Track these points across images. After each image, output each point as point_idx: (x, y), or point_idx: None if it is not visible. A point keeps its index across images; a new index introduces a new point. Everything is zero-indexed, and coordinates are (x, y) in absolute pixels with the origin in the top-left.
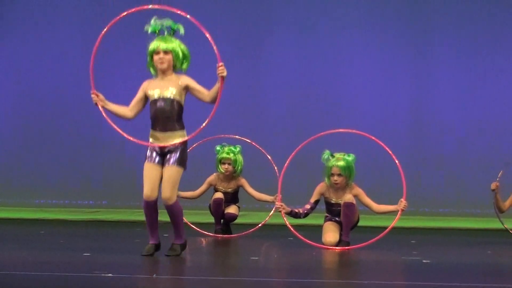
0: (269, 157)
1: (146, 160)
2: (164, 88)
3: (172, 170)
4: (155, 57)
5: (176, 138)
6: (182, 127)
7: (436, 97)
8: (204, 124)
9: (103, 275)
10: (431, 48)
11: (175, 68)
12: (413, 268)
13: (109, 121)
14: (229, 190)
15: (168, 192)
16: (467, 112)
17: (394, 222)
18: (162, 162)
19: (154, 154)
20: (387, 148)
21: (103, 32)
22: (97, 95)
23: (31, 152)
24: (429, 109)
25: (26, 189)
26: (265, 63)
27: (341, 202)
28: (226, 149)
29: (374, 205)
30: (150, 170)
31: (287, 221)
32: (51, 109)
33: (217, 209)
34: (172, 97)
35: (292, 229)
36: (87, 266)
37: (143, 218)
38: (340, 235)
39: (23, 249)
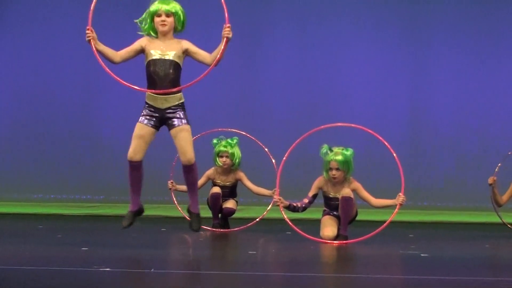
0: (266, 149)
1: (140, 120)
2: (165, 50)
3: (184, 130)
4: (157, 19)
5: (175, 99)
6: (179, 89)
7: (434, 91)
8: (201, 76)
9: (101, 269)
10: (429, 43)
11: (175, 31)
12: (411, 262)
13: (102, 63)
14: (227, 183)
15: (190, 152)
16: (465, 106)
17: (392, 217)
18: (158, 126)
19: (151, 115)
20: (385, 142)
21: None
22: (92, 31)
23: (29, 147)
24: (427, 103)
25: (24, 184)
26: (264, 56)
27: (339, 196)
28: (223, 142)
29: (372, 199)
30: (142, 131)
31: (285, 215)
32: (49, 105)
33: (214, 203)
34: (172, 59)
35: (290, 223)
36: (85, 260)
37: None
38: (338, 229)
39: (21, 244)
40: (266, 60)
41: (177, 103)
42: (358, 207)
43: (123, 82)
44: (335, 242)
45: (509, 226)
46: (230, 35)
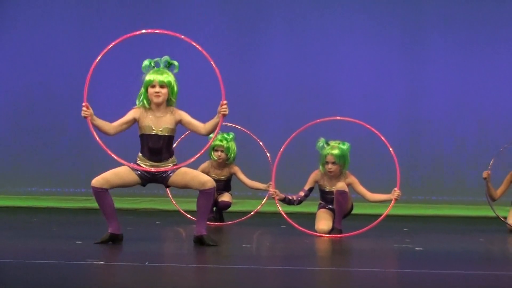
0: (261, 143)
1: (130, 166)
2: (159, 124)
3: (181, 171)
4: (151, 90)
5: (167, 165)
6: (172, 154)
7: (430, 86)
8: (198, 155)
9: (95, 262)
10: (426, 37)
11: (168, 102)
12: (406, 256)
13: (97, 138)
14: (222, 177)
15: (204, 178)
16: (461, 101)
17: (387, 211)
18: (145, 183)
19: (142, 175)
20: (381, 137)
21: (96, 60)
22: (88, 108)
23: (24, 140)
24: (423, 98)
25: (19, 177)
26: (259, 52)
27: (334, 190)
28: (219, 136)
29: (368, 193)
30: (125, 174)
31: (281, 208)
32: (45, 100)
33: None
34: (167, 134)
35: (285, 216)
36: (80, 254)
37: (134, 205)
38: (333, 222)
39: (16, 237)
40: (262, 54)
41: (169, 166)
42: (353, 201)
43: (119, 159)
44: (329, 236)
45: (502, 219)
46: (227, 112)
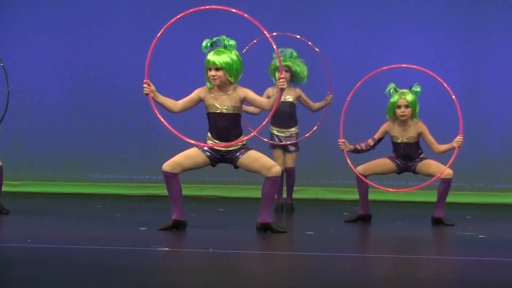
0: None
1: (199, 149)
2: (223, 102)
3: (249, 154)
4: (209, 73)
5: (236, 145)
6: (240, 134)
7: (492, 72)
8: (258, 128)
9: (159, 249)
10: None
11: (229, 80)
12: (469, 243)
13: (159, 115)
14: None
15: (269, 163)
16: None
17: (451, 161)
18: (214, 163)
19: (212, 156)
20: (444, 83)
21: (159, 34)
22: (149, 85)
23: (89, 129)
24: (486, 83)
25: (84, 164)
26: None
27: (407, 141)
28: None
29: (435, 144)
30: (196, 155)
31: (349, 160)
32: (108, 87)
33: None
34: (231, 112)
35: (351, 165)
36: (144, 240)
37: (198, 192)
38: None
39: (81, 224)
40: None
41: (239, 147)
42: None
43: (187, 138)
44: (386, 188)
45: None
46: (285, 86)
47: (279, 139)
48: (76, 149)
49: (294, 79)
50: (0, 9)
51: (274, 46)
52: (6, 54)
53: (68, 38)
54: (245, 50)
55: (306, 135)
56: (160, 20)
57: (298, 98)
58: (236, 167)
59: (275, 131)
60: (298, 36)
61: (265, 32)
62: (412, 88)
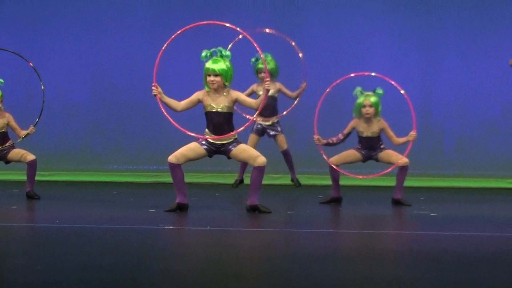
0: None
1: (198, 142)
2: (219, 103)
3: (240, 147)
4: (208, 78)
5: (229, 139)
6: (232, 129)
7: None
8: (246, 125)
9: (166, 227)
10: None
11: (224, 84)
12: (422, 220)
13: (165, 113)
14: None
15: (255, 155)
16: (468, 80)
17: (406, 153)
18: (211, 155)
19: (209, 149)
20: (398, 87)
21: (164, 47)
22: (157, 87)
23: (108, 127)
24: (437, 84)
25: (103, 157)
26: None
27: (371, 135)
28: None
29: (394, 137)
30: (197, 148)
31: (323, 152)
32: (124, 96)
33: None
34: (226, 111)
35: (325, 156)
36: (153, 220)
37: (198, 180)
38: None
39: (101, 207)
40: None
41: (231, 140)
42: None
43: (189, 132)
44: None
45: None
46: (270, 87)
47: (262, 126)
48: (96, 144)
49: (271, 76)
50: (38, 24)
51: (262, 56)
52: (43, 63)
53: (90, 49)
54: (229, 47)
55: (276, 116)
56: (165, 33)
57: (279, 90)
58: (229, 157)
59: (259, 120)
60: (283, 36)
61: (255, 45)
62: (376, 91)
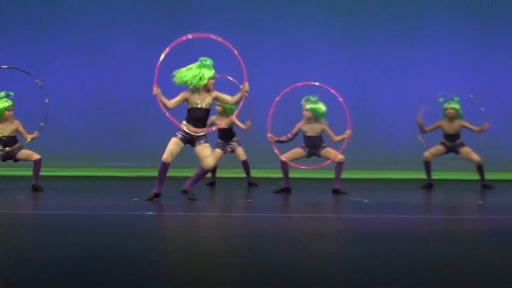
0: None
1: (176, 137)
2: (204, 100)
3: (205, 146)
4: (211, 81)
5: (202, 132)
6: (205, 125)
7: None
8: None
9: (146, 213)
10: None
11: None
12: (356, 206)
13: (164, 110)
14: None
15: (208, 159)
16: (397, 88)
17: (342, 148)
18: (185, 144)
19: (184, 137)
20: (337, 94)
21: (160, 59)
22: (157, 88)
23: (101, 132)
24: (370, 93)
25: (97, 155)
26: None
27: (314, 134)
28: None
29: (333, 136)
30: (176, 145)
31: (275, 149)
32: (121, 104)
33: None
34: (207, 107)
35: (277, 152)
36: (136, 207)
37: (176, 174)
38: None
39: (96, 197)
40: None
41: (202, 134)
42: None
43: (175, 121)
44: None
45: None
46: (248, 90)
47: (223, 146)
48: (90, 145)
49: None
50: (46, 44)
51: (244, 71)
52: (51, 76)
53: (92, 61)
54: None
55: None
56: (157, 46)
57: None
58: (194, 147)
59: (220, 141)
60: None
61: (241, 60)
62: (315, 101)
